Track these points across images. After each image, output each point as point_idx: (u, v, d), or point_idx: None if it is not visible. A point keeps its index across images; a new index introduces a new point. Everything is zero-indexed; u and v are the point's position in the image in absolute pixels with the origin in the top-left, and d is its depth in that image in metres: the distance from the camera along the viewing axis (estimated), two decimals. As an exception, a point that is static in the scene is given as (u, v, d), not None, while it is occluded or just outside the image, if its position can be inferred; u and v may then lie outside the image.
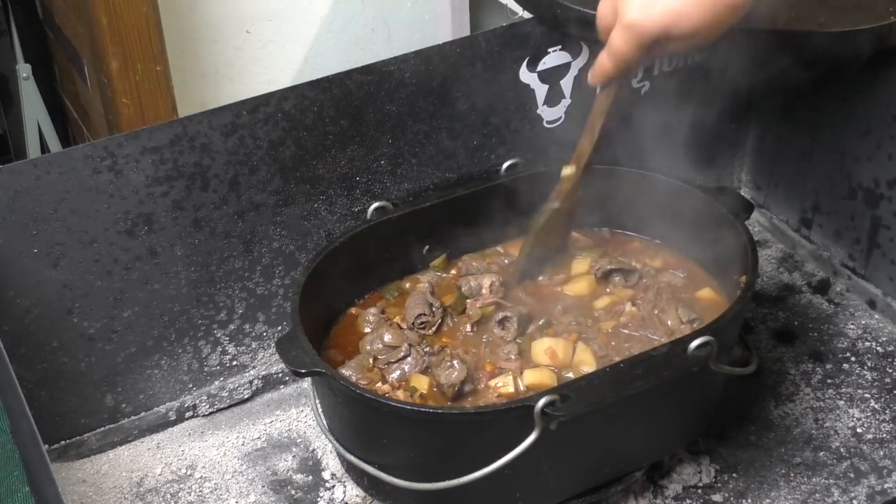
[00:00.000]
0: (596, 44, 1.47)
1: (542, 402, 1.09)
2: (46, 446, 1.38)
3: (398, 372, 1.28)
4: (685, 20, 1.10)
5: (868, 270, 1.60)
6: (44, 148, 2.41)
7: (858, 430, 1.41)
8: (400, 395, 1.25)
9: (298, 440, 1.44)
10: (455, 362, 1.25)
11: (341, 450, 1.25)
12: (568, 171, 1.34)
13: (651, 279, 1.39)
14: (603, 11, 1.18)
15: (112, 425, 1.44)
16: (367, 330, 1.35)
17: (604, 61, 1.19)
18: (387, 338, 1.31)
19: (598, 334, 1.32)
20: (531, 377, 1.26)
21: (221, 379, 1.48)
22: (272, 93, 1.34)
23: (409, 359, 1.28)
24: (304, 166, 1.39)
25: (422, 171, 1.48)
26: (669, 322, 1.31)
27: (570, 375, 1.26)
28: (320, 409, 1.29)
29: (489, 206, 1.43)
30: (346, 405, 1.21)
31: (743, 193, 1.77)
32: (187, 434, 1.46)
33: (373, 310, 1.37)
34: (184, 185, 1.33)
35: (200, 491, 1.37)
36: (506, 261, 1.44)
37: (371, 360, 1.29)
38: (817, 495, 1.32)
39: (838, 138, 1.59)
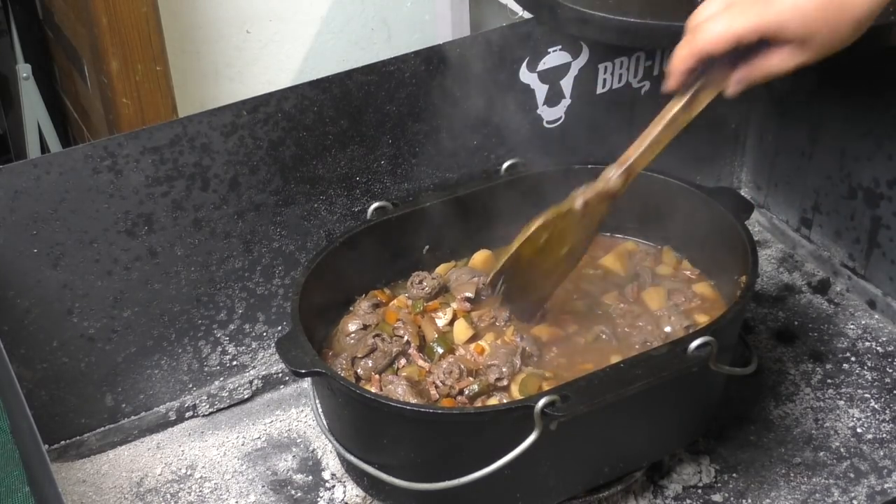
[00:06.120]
0: (596, 44, 1.48)
1: (542, 402, 1.09)
2: (46, 446, 1.38)
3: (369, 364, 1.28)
4: (798, 20, 0.99)
5: (868, 270, 1.60)
6: (44, 148, 2.41)
7: (858, 430, 1.41)
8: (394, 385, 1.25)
9: (298, 440, 1.44)
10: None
11: (341, 450, 1.25)
12: (611, 172, 1.19)
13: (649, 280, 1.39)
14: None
15: (112, 425, 1.44)
16: (352, 328, 1.35)
17: (684, 52, 1.04)
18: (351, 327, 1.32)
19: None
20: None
21: (221, 379, 1.48)
22: (272, 93, 1.34)
23: (376, 353, 1.29)
24: (304, 166, 1.39)
25: (422, 171, 1.48)
26: (668, 329, 1.31)
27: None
28: (320, 409, 1.29)
29: (489, 206, 1.43)
30: (346, 405, 1.21)
31: (743, 193, 1.77)
32: (187, 434, 1.46)
33: (365, 304, 1.37)
34: (184, 185, 1.33)
35: (200, 491, 1.37)
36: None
37: (350, 361, 1.29)
38: (817, 495, 1.32)
39: (838, 138, 1.59)
